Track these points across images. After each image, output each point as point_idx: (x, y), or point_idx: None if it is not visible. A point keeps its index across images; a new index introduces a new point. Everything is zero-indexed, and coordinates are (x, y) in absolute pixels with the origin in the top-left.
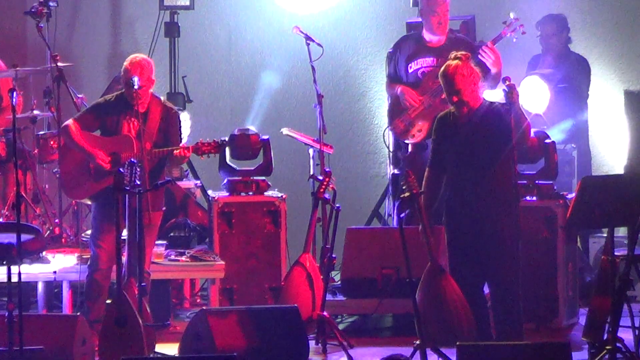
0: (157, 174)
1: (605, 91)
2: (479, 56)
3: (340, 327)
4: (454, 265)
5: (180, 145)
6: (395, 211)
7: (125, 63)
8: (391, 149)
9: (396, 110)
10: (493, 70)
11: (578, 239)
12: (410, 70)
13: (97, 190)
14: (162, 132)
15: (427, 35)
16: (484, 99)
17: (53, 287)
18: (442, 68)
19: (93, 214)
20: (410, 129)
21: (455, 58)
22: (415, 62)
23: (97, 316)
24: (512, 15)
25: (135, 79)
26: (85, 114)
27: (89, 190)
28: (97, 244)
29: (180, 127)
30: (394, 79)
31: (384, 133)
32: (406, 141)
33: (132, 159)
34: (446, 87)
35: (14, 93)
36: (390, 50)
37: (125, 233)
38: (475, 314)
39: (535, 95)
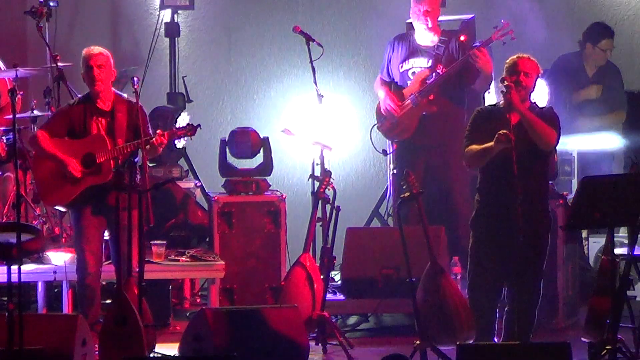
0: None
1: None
2: (470, 58)
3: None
4: (479, 263)
5: (157, 133)
6: (395, 210)
7: (84, 52)
8: (379, 149)
9: (383, 109)
10: (483, 73)
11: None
12: (401, 70)
13: (76, 194)
14: (131, 127)
15: (418, 36)
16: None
17: (53, 287)
18: (519, 58)
19: (73, 220)
20: (396, 128)
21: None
22: (407, 62)
23: (95, 318)
24: (502, 21)
25: (136, 78)
26: (52, 121)
27: (68, 194)
28: (83, 248)
29: (148, 118)
30: (385, 78)
31: (370, 131)
32: (392, 140)
33: (133, 159)
34: (516, 74)
35: (14, 93)
36: (386, 48)
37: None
38: (484, 314)
39: (534, 95)
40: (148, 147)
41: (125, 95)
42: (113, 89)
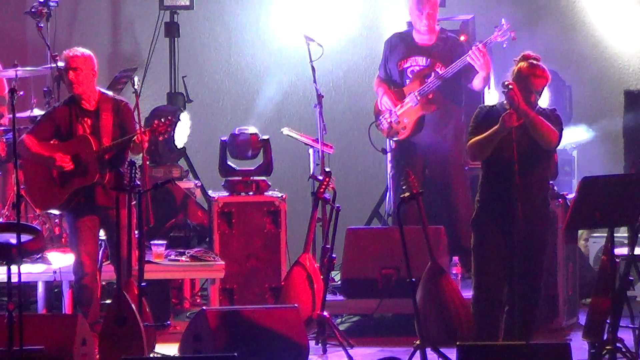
0: (120, 162)
1: (605, 91)
2: (468, 57)
3: (341, 327)
4: (482, 263)
5: (138, 131)
6: (395, 210)
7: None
8: (378, 148)
9: (382, 108)
10: (482, 73)
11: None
12: (400, 68)
13: (65, 196)
14: (117, 126)
15: (416, 35)
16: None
17: (53, 287)
18: (532, 69)
19: (67, 222)
20: (395, 126)
21: (533, 58)
22: (406, 60)
23: (94, 319)
24: (503, 21)
25: (136, 78)
26: (39, 125)
27: (57, 198)
28: (78, 249)
29: (134, 116)
30: (383, 76)
31: (369, 129)
32: (391, 139)
33: (131, 160)
34: (527, 88)
35: (14, 93)
36: (384, 46)
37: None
38: (488, 314)
39: None
40: (131, 145)
41: (110, 93)
42: (99, 88)
